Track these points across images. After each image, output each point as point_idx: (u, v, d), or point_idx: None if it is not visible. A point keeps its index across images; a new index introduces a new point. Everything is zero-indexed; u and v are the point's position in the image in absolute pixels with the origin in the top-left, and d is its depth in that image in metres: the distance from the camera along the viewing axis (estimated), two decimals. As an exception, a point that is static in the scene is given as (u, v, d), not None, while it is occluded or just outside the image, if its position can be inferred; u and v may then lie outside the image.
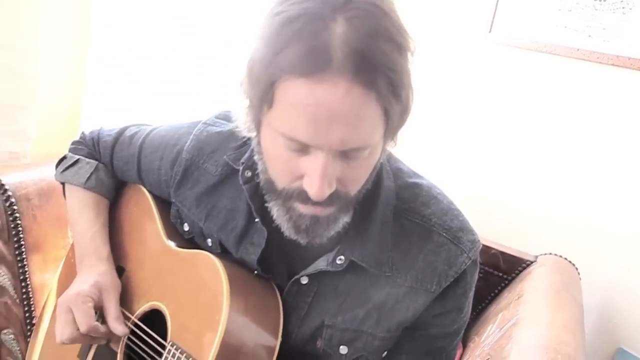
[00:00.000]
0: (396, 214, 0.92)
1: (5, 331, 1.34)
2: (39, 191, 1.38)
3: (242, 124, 0.83)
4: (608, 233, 1.68)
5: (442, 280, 0.90)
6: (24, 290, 1.31)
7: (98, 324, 0.96)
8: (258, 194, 0.90)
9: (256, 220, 0.94)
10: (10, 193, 1.30)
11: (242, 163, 0.94)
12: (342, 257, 0.90)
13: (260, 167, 0.85)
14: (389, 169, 0.95)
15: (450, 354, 0.98)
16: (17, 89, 1.87)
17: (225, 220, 0.98)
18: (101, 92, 1.92)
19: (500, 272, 1.59)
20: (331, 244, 0.89)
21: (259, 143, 0.83)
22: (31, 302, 1.32)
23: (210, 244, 1.01)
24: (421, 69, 1.88)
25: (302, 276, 0.93)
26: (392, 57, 0.71)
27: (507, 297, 1.48)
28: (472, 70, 1.85)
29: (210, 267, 0.92)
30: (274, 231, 0.89)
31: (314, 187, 0.74)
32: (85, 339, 0.97)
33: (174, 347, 0.88)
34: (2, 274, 1.32)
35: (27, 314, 1.31)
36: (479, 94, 1.86)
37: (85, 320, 0.94)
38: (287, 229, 0.84)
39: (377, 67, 0.70)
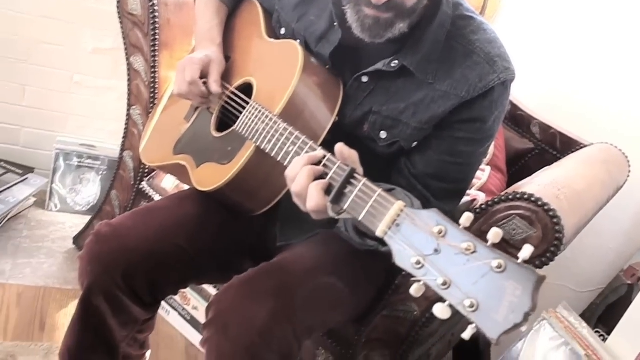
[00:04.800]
0: (448, 37, 1.13)
1: (134, 107, 1.70)
2: (176, 2, 1.68)
3: None
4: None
5: (471, 89, 1.10)
6: (152, 77, 1.64)
7: (199, 80, 1.23)
8: (339, 4, 1.13)
9: (335, 23, 1.17)
10: (153, -4, 1.61)
11: None
12: (397, 61, 1.12)
13: None
14: (450, 0, 1.14)
15: (471, 163, 1.19)
16: None
17: (312, 23, 1.22)
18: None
19: (555, 150, 1.74)
20: (389, 52, 1.12)
21: None
22: (156, 87, 1.64)
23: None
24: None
25: (362, 74, 1.17)
26: None
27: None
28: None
29: (292, 49, 1.18)
30: (347, 36, 1.13)
31: None
32: (190, 90, 1.24)
33: (255, 102, 1.15)
34: (139, 61, 1.65)
35: (151, 96, 1.65)
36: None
37: (191, 74, 1.22)
38: (355, 28, 1.08)
39: None
